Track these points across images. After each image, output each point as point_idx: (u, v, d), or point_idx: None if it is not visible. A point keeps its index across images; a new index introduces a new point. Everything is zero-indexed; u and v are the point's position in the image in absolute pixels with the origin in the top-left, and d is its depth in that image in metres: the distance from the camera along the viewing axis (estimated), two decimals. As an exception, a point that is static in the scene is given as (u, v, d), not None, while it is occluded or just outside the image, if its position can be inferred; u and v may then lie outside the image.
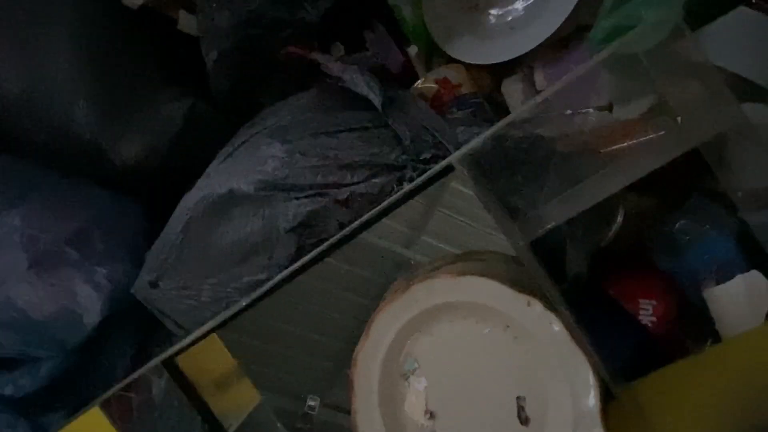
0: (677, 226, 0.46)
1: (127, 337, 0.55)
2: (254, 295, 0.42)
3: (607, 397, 0.36)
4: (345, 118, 0.42)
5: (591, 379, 0.35)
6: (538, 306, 0.36)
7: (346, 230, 0.38)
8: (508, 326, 0.38)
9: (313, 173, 0.40)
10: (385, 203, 0.38)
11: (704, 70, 0.38)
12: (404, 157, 0.41)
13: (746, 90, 0.43)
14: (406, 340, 0.40)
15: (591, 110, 0.41)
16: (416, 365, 0.40)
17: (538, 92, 0.53)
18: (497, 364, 0.38)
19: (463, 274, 0.38)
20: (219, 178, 0.43)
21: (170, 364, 0.48)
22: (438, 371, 0.40)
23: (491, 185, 0.37)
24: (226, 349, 0.52)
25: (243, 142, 0.44)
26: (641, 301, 0.47)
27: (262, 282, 0.43)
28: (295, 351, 0.54)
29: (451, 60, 0.55)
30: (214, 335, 0.51)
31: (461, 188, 0.42)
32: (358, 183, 0.40)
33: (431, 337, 0.40)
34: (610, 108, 0.41)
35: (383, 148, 0.41)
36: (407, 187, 0.36)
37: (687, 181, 0.49)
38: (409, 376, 0.41)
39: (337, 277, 0.48)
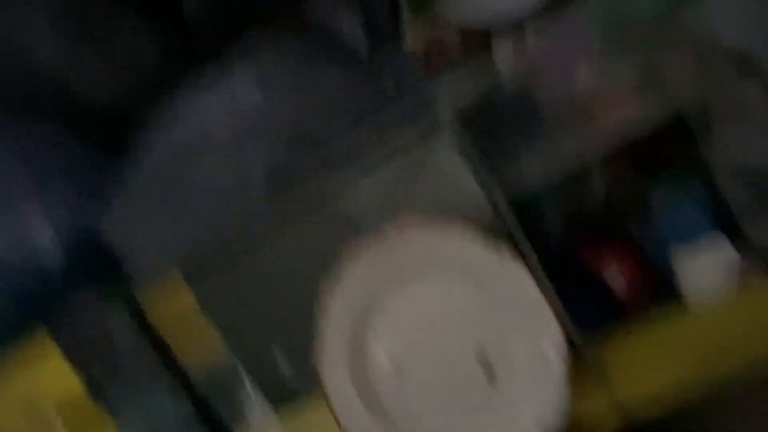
0: (653, 193, 0.46)
1: (86, 278, 0.53)
2: (225, 243, 0.41)
3: (571, 354, 0.37)
4: (329, 67, 0.40)
5: (557, 336, 0.36)
6: (511, 262, 0.36)
7: (323, 184, 0.37)
8: (479, 280, 0.38)
9: (290, 121, 0.38)
10: (366, 161, 0.36)
11: (700, 38, 0.38)
12: (388, 113, 0.39)
13: (738, 64, 0.42)
14: (376, 289, 0.40)
15: (583, 68, 0.39)
16: (385, 316, 0.41)
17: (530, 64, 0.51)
18: (464, 318, 0.39)
19: (439, 225, 0.38)
20: (190, 118, 0.41)
21: (132, 304, 0.46)
22: (406, 324, 0.40)
23: (477, 145, 0.36)
24: (193, 298, 0.51)
25: (216, 81, 0.41)
26: (610, 264, 0.47)
27: (234, 231, 0.41)
28: (266, 307, 0.53)
29: (443, 18, 0.53)
30: (180, 282, 0.50)
31: (444, 163, 0.41)
32: (337, 134, 0.38)
33: (401, 289, 0.40)
34: (602, 66, 0.40)
35: (367, 103, 0.39)
36: (391, 144, 0.35)
37: (668, 151, 0.49)
38: (377, 327, 0.41)
39: (311, 236, 0.47)
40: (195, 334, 0.54)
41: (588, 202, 0.46)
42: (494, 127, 0.38)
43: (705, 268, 0.43)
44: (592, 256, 0.49)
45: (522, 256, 0.36)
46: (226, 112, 0.38)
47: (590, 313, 0.44)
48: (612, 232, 0.51)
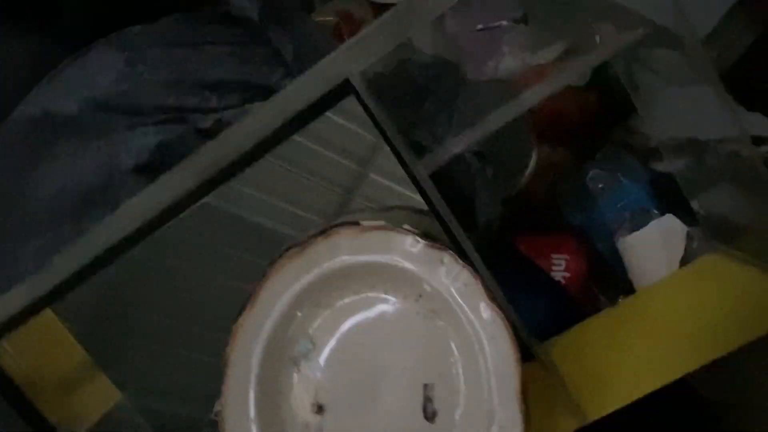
0: (590, 175, 0.44)
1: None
2: (94, 253, 0.32)
3: (525, 360, 0.31)
4: (213, 31, 0.33)
5: (513, 358, 0.30)
6: (454, 265, 0.30)
7: (220, 164, 0.29)
8: (420, 296, 0.32)
9: (164, 91, 0.30)
10: (263, 132, 0.30)
11: (622, 10, 0.36)
12: (287, 80, 0.33)
13: (667, 37, 0.41)
14: (299, 312, 0.33)
15: (504, 23, 0.36)
16: (310, 347, 0.34)
17: (449, 37, 0.48)
18: (406, 343, 0.32)
19: (371, 229, 0.32)
20: (33, 99, 0.32)
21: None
22: (336, 355, 0.33)
23: (393, 116, 0.31)
24: (69, 337, 0.42)
25: (75, 59, 0.33)
26: (553, 256, 0.45)
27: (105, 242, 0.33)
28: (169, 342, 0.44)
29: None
30: (52, 316, 0.40)
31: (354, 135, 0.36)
32: (226, 108, 0.32)
33: (331, 312, 0.33)
34: (524, 20, 0.37)
35: (261, 68, 0.32)
36: (294, 107, 0.29)
37: (598, 133, 0.48)
38: (300, 361, 0.34)
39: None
40: (77, 384, 0.44)
41: (522, 182, 0.43)
42: (413, 96, 0.33)
43: (651, 243, 0.41)
44: (533, 249, 0.46)
45: (456, 243, 0.30)
46: (83, 82, 0.30)
47: (537, 309, 0.40)
48: (550, 223, 0.48)
